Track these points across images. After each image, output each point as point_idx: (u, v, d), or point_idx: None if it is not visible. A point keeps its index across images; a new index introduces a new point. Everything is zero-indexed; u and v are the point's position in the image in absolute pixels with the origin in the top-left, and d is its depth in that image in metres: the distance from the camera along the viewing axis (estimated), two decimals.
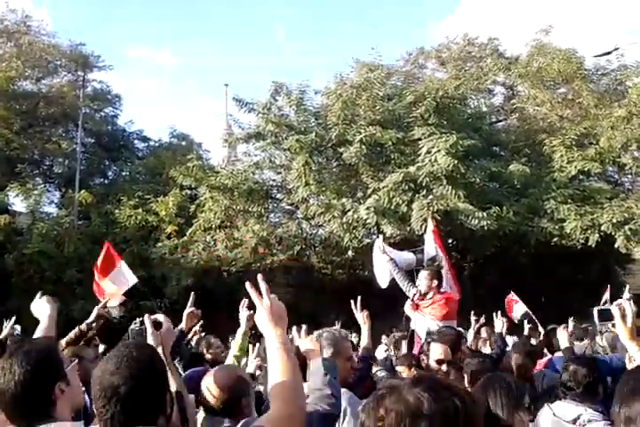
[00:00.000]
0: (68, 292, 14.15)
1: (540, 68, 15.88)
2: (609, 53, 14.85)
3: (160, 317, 2.48)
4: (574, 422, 2.75)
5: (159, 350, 2.30)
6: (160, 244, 15.89)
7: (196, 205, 16.17)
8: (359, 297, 4.19)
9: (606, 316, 2.55)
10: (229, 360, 3.94)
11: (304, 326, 4.49)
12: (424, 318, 5.31)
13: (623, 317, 2.41)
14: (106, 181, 22.35)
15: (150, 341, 2.36)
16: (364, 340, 4.04)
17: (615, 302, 2.47)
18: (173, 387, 2.20)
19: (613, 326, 2.49)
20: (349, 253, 13.72)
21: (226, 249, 14.59)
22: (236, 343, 3.97)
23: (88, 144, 23.11)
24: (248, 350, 4.43)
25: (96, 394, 1.67)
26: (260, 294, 1.86)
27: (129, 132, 23.78)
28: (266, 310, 1.83)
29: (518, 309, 9.18)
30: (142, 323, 2.47)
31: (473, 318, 7.53)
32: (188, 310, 4.00)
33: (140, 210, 16.90)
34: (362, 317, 4.08)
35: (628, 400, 1.43)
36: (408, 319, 5.53)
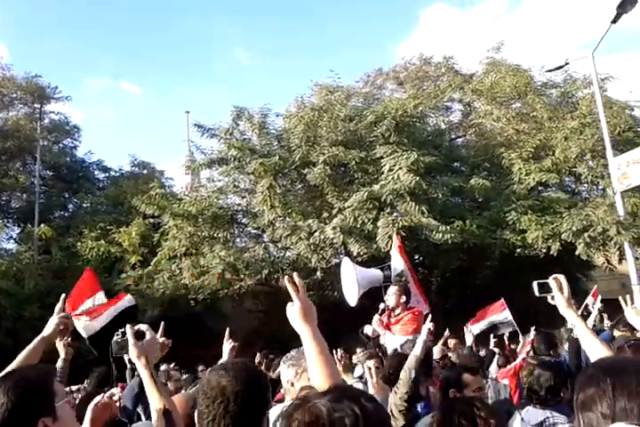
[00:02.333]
0: (29, 329, 13.65)
1: (493, 84, 16.33)
2: (561, 68, 15.38)
3: (143, 326, 2.37)
4: (540, 425, 2.75)
5: (142, 361, 2.24)
6: (124, 275, 15.54)
7: (159, 234, 15.93)
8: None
9: (545, 289, 2.70)
10: None
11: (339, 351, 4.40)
12: (393, 336, 5.27)
13: (560, 288, 2.57)
14: (66, 214, 21.87)
15: (132, 353, 2.27)
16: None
17: (552, 276, 2.62)
18: (160, 404, 2.11)
19: (552, 298, 2.62)
20: (318, 274, 13.64)
21: (192, 277, 14.33)
22: None
23: (47, 177, 22.71)
24: None
25: (201, 396, 1.85)
26: (297, 290, 1.99)
27: (88, 163, 23.48)
28: (300, 307, 1.96)
29: (498, 317, 9.23)
30: (124, 334, 2.37)
31: (446, 334, 7.58)
32: (229, 344, 4.00)
33: (103, 241, 16.58)
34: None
35: (584, 386, 1.48)
36: (368, 338, 5.49)
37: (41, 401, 1.78)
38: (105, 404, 2.23)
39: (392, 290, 5.54)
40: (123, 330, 2.42)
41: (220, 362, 4.05)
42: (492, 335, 7.93)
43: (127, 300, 7.66)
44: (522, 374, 3.81)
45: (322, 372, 1.83)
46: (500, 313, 8.92)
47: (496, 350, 7.36)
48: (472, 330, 7.89)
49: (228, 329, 4.11)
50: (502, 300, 8.94)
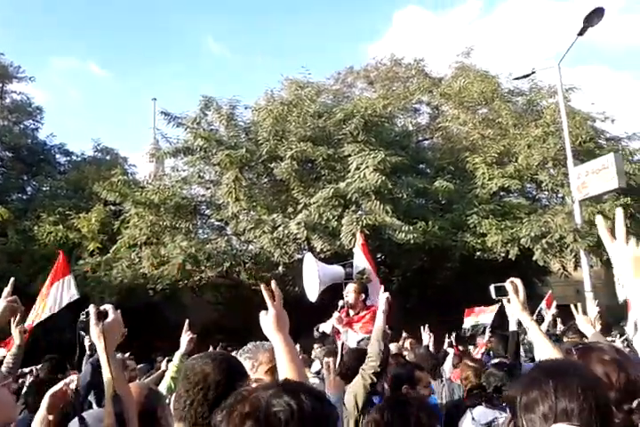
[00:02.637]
0: None
1: (461, 88, 16.57)
2: (527, 76, 15.73)
3: (107, 306, 2.26)
4: (489, 425, 2.82)
5: (101, 342, 2.14)
6: (82, 261, 15.20)
7: (120, 222, 15.65)
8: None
9: (502, 292, 2.77)
10: (166, 382, 3.81)
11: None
12: (354, 333, 5.32)
13: (516, 291, 2.63)
14: (24, 197, 21.22)
15: (92, 333, 2.16)
16: None
17: (508, 280, 2.68)
18: (110, 389, 2.04)
19: (508, 301, 2.68)
20: (280, 268, 13.65)
21: (152, 266, 14.13)
22: (173, 365, 3.88)
23: (5, 158, 21.99)
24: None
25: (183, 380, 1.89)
26: (273, 298, 2.05)
27: (50, 146, 22.77)
28: (274, 316, 2.01)
29: (482, 318, 9.46)
30: (88, 315, 2.25)
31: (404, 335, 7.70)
32: (187, 335, 4.01)
33: (61, 226, 16.15)
34: None
35: (527, 389, 1.53)
36: (324, 335, 5.53)
37: None
38: (63, 392, 2.20)
39: (350, 287, 5.57)
40: (87, 310, 2.31)
41: (177, 353, 4.03)
42: (446, 335, 8.09)
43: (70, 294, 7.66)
44: (463, 375, 3.91)
45: (288, 371, 1.88)
46: (487, 315, 9.11)
47: (450, 350, 7.50)
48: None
49: (187, 321, 4.10)
50: (497, 305, 9.05)
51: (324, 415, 1.20)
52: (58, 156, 23.08)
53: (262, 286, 2.10)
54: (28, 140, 22.35)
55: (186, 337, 3.94)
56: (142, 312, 13.10)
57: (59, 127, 63.82)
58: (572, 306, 3.66)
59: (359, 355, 3.98)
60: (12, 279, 2.75)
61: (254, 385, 1.32)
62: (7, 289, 2.71)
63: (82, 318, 2.33)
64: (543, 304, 8.86)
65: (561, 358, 1.91)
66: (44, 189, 20.74)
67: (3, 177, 21.04)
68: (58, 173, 21.67)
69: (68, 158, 23.15)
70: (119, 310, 2.25)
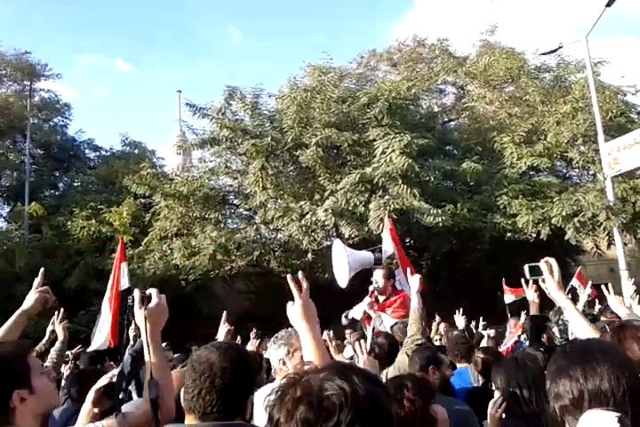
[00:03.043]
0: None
1: (486, 66, 16.25)
2: (554, 51, 15.33)
3: (152, 290, 2.28)
4: None
5: (144, 327, 2.16)
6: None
7: (151, 214, 15.88)
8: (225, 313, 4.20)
9: (536, 272, 2.76)
10: None
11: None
12: (389, 317, 5.36)
13: (551, 271, 2.62)
14: (57, 193, 21.71)
15: (136, 318, 2.19)
16: None
17: (543, 259, 2.66)
18: (148, 374, 2.08)
19: (543, 280, 2.67)
20: (309, 255, 13.70)
21: (183, 257, 14.34)
22: None
23: (37, 155, 22.47)
24: None
25: (189, 371, 1.87)
26: (301, 289, 2.05)
27: (79, 142, 23.19)
28: (301, 306, 2.02)
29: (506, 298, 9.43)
30: (134, 299, 2.28)
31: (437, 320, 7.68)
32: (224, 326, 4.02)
33: (94, 221, 16.46)
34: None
35: (555, 378, 1.52)
36: (354, 321, 5.57)
37: (14, 375, 1.81)
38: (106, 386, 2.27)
39: (379, 274, 5.62)
40: (133, 295, 2.34)
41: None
42: (481, 318, 7.99)
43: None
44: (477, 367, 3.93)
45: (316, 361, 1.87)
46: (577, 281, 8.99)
47: (485, 332, 7.41)
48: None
49: (225, 312, 4.11)
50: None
51: (377, 398, 1.16)
52: (87, 151, 23.52)
53: (289, 277, 2.08)
54: (58, 136, 22.77)
55: (224, 328, 3.95)
56: (175, 303, 13.31)
57: (87, 123, 64.84)
58: (604, 286, 3.60)
59: (392, 338, 4.08)
60: (42, 270, 2.77)
61: (302, 367, 1.30)
62: (38, 280, 2.73)
63: (129, 302, 2.36)
64: (575, 282, 8.69)
65: (588, 341, 1.88)
66: (76, 184, 21.16)
67: (35, 174, 21.50)
68: (88, 169, 22.06)
69: (98, 153, 23.56)
70: (163, 295, 2.27)
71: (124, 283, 8.23)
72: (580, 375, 1.47)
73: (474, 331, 7.49)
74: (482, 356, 4.07)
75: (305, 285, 2.07)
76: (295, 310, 2.03)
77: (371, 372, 1.31)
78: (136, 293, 2.25)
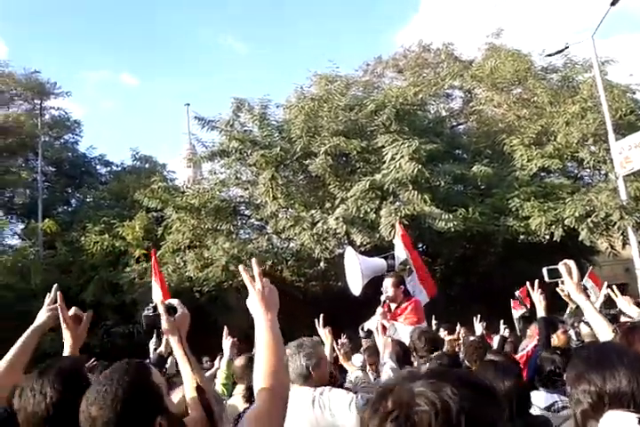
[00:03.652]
0: None
1: (493, 69, 16.22)
2: (561, 52, 15.28)
3: (174, 301, 2.32)
4: (549, 409, 2.79)
5: (175, 337, 2.19)
6: (129, 268, 15.60)
7: (163, 227, 15.97)
8: (322, 315, 4.19)
9: (554, 274, 2.75)
10: (217, 390, 3.84)
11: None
12: (403, 325, 5.31)
13: (570, 273, 2.58)
14: (69, 209, 21.95)
15: (164, 328, 2.22)
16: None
17: (561, 262, 2.63)
18: (194, 381, 2.03)
19: (562, 282, 2.65)
20: (321, 264, 13.67)
21: (196, 269, 14.38)
22: (222, 371, 3.90)
23: (49, 172, 22.73)
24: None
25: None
26: (253, 277, 1.85)
27: (90, 158, 23.47)
28: (257, 294, 1.82)
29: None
30: (155, 309, 2.32)
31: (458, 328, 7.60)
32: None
33: (107, 235, 16.60)
34: (324, 333, 4.07)
35: (574, 384, 1.53)
36: (370, 333, 5.52)
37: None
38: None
39: (388, 282, 5.57)
40: (153, 304, 2.38)
41: (222, 360, 4.04)
42: (501, 321, 7.86)
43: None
44: None
45: (266, 368, 1.68)
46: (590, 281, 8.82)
47: (499, 335, 7.30)
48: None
49: (225, 327, 4.11)
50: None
51: (472, 412, 0.96)
52: (98, 167, 23.78)
53: (240, 268, 1.91)
54: (69, 153, 23.07)
55: (227, 342, 3.94)
56: (191, 315, 13.35)
57: (97, 138, 65.39)
58: (614, 288, 3.56)
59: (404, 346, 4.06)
60: (56, 286, 2.76)
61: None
62: (51, 296, 2.71)
63: (147, 312, 2.37)
64: (588, 283, 8.52)
65: (604, 345, 1.86)
66: (88, 200, 21.38)
67: (48, 191, 21.74)
68: (100, 184, 22.29)
69: (109, 169, 23.79)
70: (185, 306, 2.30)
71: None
72: (598, 380, 1.47)
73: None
74: (492, 358, 4.00)
75: (257, 270, 1.88)
76: (252, 298, 1.84)
77: (475, 378, 1.09)
78: (159, 303, 2.29)
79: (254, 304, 1.83)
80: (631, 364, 1.49)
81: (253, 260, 1.92)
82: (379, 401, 1.04)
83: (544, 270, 2.89)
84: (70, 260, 16.89)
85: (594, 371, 1.50)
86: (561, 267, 2.65)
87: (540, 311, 3.83)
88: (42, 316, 2.65)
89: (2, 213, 21.28)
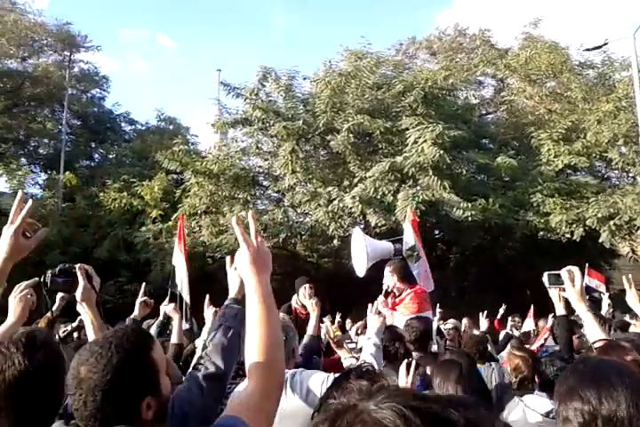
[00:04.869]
0: None
1: (527, 60, 15.85)
2: (600, 47, 14.89)
3: (87, 267, 2.35)
4: (547, 415, 2.79)
5: (88, 303, 2.24)
6: (144, 228, 15.75)
7: (181, 190, 16.03)
8: (307, 285, 4.14)
9: (555, 280, 2.65)
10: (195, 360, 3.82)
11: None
12: (401, 315, 5.26)
13: (572, 280, 2.54)
14: (91, 164, 22.12)
15: (80, 294, 2.25)
16: (310, 328, 3.79)
17: (565, 268, 2.58)
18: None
19: (563, 290, 2.58)
20: (335, 241, 13.70)
21: (211, 235, 14.48)
22: (201, 339, 3.86)
23: (74, 126, 22.85)
24: None
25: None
26: (248, 233, 1.66)
27: (116, 115, 23.50)
28: (250, 253, 1.62)
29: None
30: (64, 272, 2.33)
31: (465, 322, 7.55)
32: (141, 299, 3.90)
33: (125, 193, 16.73)
34: (311, 304, 3.93)
35: (565, 400, 1.41)
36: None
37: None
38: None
39: (387, 271, 5.46)
40: (62, 267, 2.35)
41: (204, 329, 3.86)
42: (509, 318, 7.77)
43: None
44: (512, 365, 3.74)
45: (260, 332, 1.52)
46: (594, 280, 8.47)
47: (515, 332, 7.21)
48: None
49: (207, 296, 3.88)
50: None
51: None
52: (123, 124, 23.83)
53: (232, 220, 1.72)
54: (95, 108, 23.12)
55: (209, 312, 3.72)
56: (199, 280, 13.50)
57: (125, 97, 65.41)
58: (624, 278, 3.27)
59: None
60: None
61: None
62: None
63: (55, 272, 2.36)
64: (592, 283, 8.14)
65: (602, 359, 1.75)
66: (110, 156, 21.52)
67: (71, 144, 21.89)
68: (123, 142, 22.39)
69: (133, 127, 23.84)
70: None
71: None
72: (593, 399, 1.34)
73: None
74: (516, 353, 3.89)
75: (253, 226, 1.69)
76: (243, 256, 1.63)
77: (461, 398, 0.93)
78: (78, 269, 2.28)
79: (244, 264, 1.62)
80: (632, 385, 1.35)
81: (250, 213, 1.79)
82: (336, 419, 0.85)
83: (545, 275, 2.74)
84: (88, 214, 17.08)
85: (589, 388, 1.37)
86: (563, 273, 2.58)
87: (560, 309, 3.36)
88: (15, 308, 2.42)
89: (25, 161, 21.49)
